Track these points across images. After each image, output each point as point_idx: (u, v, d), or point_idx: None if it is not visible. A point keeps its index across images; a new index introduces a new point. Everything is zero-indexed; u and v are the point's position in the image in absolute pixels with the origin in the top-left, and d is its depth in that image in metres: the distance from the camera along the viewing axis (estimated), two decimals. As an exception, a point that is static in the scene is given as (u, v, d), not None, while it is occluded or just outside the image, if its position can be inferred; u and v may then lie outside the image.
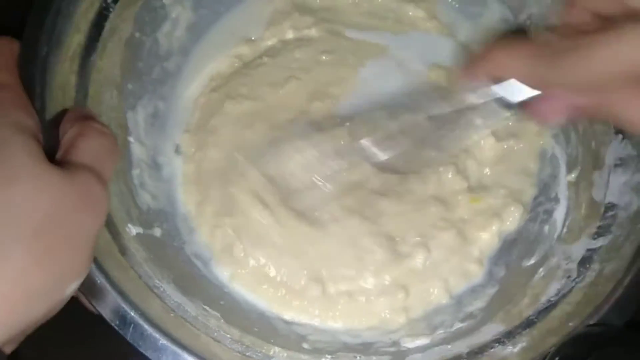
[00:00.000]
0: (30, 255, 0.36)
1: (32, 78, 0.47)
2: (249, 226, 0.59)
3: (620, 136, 0.54)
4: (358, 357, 0.53)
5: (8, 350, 0.37)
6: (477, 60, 0.47)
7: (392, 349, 0.54)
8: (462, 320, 0.56)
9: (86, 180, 0.40)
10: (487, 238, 0.61)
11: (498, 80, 0.46)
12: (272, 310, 0.57)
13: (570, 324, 0.48)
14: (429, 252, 0.59)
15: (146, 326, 0.45)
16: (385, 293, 0.58)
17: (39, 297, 0.37)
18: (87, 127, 0.44)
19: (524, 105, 0.45)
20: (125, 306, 0.45)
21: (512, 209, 0.61)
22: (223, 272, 0.58)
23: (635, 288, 0.47)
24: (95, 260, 0.45)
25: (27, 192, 0.37)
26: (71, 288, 0.39)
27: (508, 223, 0.61)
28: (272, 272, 0.58)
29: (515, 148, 0.63)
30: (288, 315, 0.57)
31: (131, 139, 0.58)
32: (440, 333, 0.55)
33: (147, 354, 0.44)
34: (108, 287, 0.45)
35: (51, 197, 0.37)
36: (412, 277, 0.59)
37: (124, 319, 0.45)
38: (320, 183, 0.58)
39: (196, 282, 0.55)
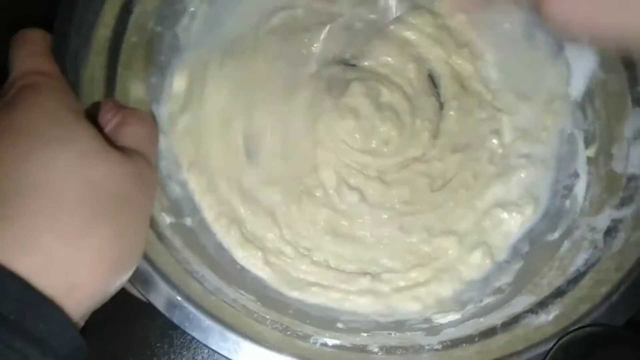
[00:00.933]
0: (110, 229, 0.38)
1: (64, 72, 0.47)
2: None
3: (639, 108, 0.55)
4: (393, 334, 0.54)
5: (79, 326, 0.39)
6: None
7: (425, 325, 0.55)
8: (491, 295, 0.57)
9: (140, 163, 0.42)
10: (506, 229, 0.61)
11: None
12: (303, 296, 0.58)
13: (602, 289, 0.49)
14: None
15: (191, 308, 0.46)
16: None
17: (118, 270, 0.39)
18: (130, 115, 0.46)
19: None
20: (169, 289, 0.46)
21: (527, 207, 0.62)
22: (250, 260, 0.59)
23: (665, 253, 0.49)
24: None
25: (102, 172, 0.39)
26: (135, 266, 0.41)
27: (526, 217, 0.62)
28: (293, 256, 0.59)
29: None
30: (317, 300, 0.58)
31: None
32: (470, 308, 0.56)
33: (194, 334, 0.45)
34: (151, 271, 0.46)
35: (120, 177, 0.40)
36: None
37: (170, 302, 0.46)
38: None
39: (229, 269, 0.56)
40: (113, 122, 0.45)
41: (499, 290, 0.57)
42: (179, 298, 0.46)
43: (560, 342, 0.47)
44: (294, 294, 0.57)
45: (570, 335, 0.47)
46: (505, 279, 0.58)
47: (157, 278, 0.46)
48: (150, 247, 0.48)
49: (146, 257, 0.46)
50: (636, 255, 0.49)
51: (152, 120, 0.48)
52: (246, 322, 0.49)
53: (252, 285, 0.56)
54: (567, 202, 0.60)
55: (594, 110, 0.60)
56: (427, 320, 0.56)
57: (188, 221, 0.57)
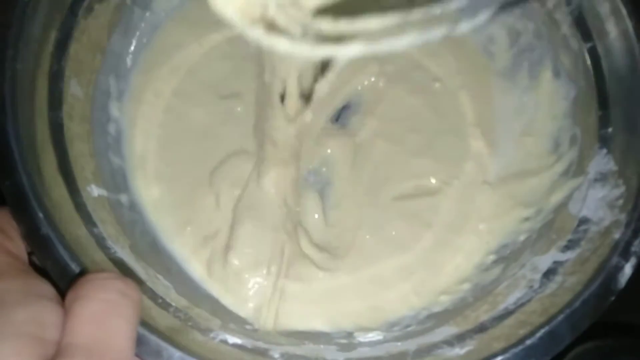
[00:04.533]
0: None
1: (7, 23, 0.46)
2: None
3: (605, 150, 0.52)
4: (306, 343, 0.52)
5: None
6: None
7: (344, 341, 0.53)
8: (420, 322, 0.54)
9: None
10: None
11: None
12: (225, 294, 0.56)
13: (521, 331, 0.46)
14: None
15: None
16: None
17: None
18: (81, 288, 0.36)
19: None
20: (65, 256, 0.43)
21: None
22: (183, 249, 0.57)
23: (592, 304, 0.46)
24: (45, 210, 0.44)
25: None
26: None
27: None
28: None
29: None
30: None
31: (112, 105, 0.58)
32: (395, 330, 0.54)
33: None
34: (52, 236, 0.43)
35: None
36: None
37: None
38: None
39: (153, 254, 0.54)
40: (66, 302, 0.36)
41: (429, 318, 0.54)
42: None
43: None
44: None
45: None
46: (439, 309, 0.55)
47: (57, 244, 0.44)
48: (63, 213, 0.47)
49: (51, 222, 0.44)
50: (565, 300, 0.46)
51: (121, 279, 0.38)
52: (145, 304, 0.47)
53: (175, 272, 0.55)
54: (522, 238, 0.57)
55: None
56: (349, 335, 0.54)
57: (123, 198, 0.56)
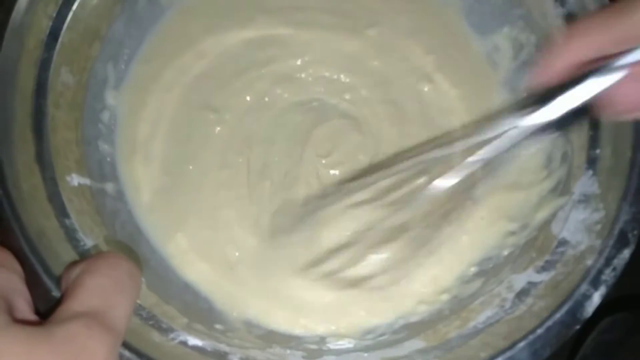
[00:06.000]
0: None
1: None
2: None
3: (591, 172, 0.51)
4: (272, 347, 0.51)
5: None
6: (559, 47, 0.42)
7: (313, 347, 0.53)
8: (395, 332, 0.54)
9: (72, 335, 0.34)
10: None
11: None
12: (205, 290, 0.56)
13: (482, 354, 0.46)
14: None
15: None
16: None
17: None
18: (94, 263, 0.39)
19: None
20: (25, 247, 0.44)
21: None
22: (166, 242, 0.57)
23: (556, 332, 0.45)
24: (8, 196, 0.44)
25: None
26: None
27: None
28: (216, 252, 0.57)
29: None
30: (220, 298, 0.56)
31: (107, 92, 0.58)
32: (367, 339, 0.54)
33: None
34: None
35: None
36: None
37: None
38: None
39: (133, 244, 0.54)
40: (73, 276, 0.39)
41: (404, 328, 0.54)
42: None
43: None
44: (195, 275, 0.56)
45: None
46: (416, 318, 0.55)
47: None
48: (34, 205, 0.47)
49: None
50: (530, 325, 0.46)
51: (124, 264, 0.40)
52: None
53: (151, 263, 0.55)
54: (505, 252, 0.56)
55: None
56: (321, 340, 0.54)
57: (109, 187, 0.56)
